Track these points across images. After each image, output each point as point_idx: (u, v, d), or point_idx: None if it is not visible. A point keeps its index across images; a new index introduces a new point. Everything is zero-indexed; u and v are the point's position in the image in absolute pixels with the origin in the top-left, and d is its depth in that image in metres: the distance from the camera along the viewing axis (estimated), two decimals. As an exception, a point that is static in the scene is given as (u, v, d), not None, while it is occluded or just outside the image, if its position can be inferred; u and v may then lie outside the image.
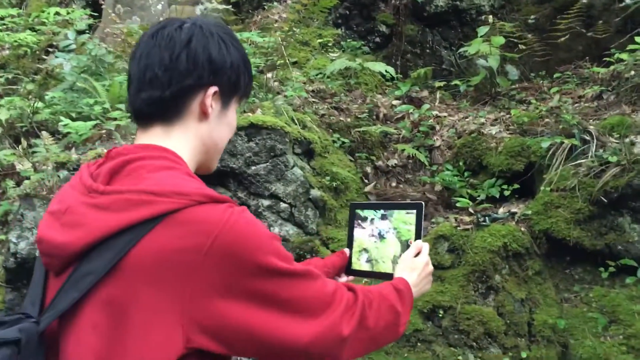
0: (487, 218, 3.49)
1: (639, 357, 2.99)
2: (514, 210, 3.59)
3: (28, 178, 3.28)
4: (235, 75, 1.13)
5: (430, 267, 1.39)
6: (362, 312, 1.11)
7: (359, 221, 1.55)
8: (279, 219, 3.39)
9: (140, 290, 0.93)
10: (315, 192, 3.50)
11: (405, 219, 1.46)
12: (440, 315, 3.21)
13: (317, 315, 1.03)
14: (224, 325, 0.95)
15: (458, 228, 3.44)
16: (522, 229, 3.43)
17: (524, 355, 3.12)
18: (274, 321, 0.98)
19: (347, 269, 1.56)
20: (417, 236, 1.43)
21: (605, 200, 3.30)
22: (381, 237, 1.50)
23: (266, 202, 3.39)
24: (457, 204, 3.68)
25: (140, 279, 0.93)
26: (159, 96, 1.07)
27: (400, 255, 1.44)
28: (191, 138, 1.11)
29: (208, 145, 1.15)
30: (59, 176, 3.16)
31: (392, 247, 1.47)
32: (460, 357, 3.13)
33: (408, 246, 1.43)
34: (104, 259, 0.94)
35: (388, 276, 1.40)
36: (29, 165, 3.50)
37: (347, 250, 1.56)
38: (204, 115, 1.11)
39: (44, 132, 3.71)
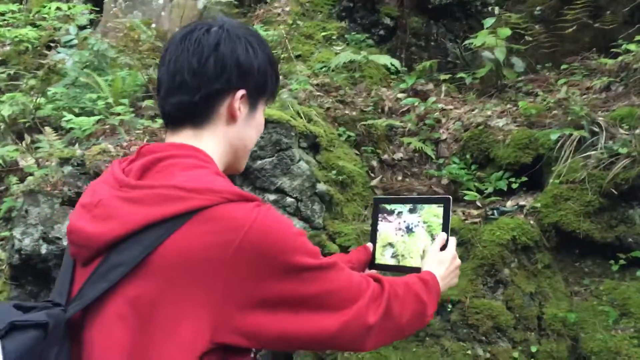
0: (495, 211, 3.46)
1: (651, 350, 2.96)
2: (522, 203, 3.55)
3: (32, 174, 3.25)
4: (262, 78, 1.14)
5: (458, 261, 1.38)
6: (388, 302, 1.13)
7: (385, 215, 1.52)
8: (285, 214, 3.35)
9: (169, 285, 0.93)
10: (321, 187, 3.47)
11: (437, 212, 1.43)
12: (449, 309, 3.18)
13: (345, 306, 1.04)
14: (254, 325, 0.96)
15: (466, 221, 3.41)
16: (531, 222, 3.39)
17: (533, 349, 3.09)
18: (303, 318, 1.00)
19: (371, 263, 1.54)
20: (444, 230, 1.42)
21: (616, 192, 3.26)
22: (409, 230, 1.46)
23: (272, 197, 3.36)
24: (465, 198, 3.64)
25: (169, 274, 0.93)
26: (188, 101, 1.08)
27: None
28: (220, 141, 1.12)
29: (237, 146, 1.16)
30: (62, 172, 3.13)
31: (422, 241, 1.43)
32: (469, 352, 3.10)
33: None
34: (135, 251, 0.94)
35: (415, 270, 1.37)
36: (33, 161, 3.48)
37: (370, 244, 1.55)
38: (232, 118, 1.12)
39: (47, 128, 3.68)
